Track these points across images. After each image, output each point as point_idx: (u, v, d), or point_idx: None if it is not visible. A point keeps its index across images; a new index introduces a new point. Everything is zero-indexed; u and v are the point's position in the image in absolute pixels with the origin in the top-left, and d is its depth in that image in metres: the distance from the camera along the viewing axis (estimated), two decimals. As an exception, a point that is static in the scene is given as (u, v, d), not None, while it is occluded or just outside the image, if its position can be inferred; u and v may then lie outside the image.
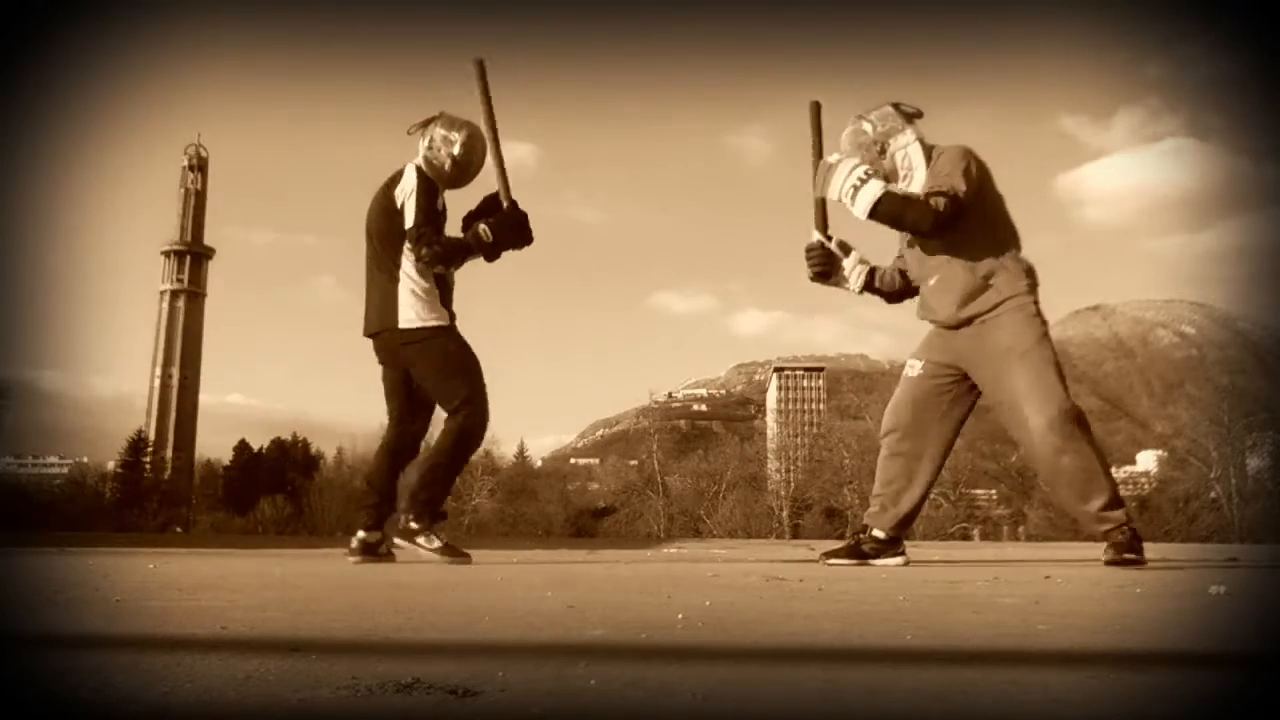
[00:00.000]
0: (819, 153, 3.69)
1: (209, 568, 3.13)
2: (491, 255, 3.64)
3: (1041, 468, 3.43)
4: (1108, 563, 3.29)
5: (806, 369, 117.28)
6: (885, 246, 3.82)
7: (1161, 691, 0.92)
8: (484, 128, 3.70)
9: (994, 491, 42.74)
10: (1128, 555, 3.26)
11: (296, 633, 1.28)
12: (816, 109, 3.74)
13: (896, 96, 3.71)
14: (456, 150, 3.68)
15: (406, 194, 3.60)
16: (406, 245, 3.58)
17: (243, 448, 71.58)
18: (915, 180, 3.48)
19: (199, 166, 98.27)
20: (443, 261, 3.62)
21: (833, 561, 3.62)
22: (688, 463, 52.07)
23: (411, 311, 3.61)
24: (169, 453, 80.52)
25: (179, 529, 47.85)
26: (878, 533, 3.59)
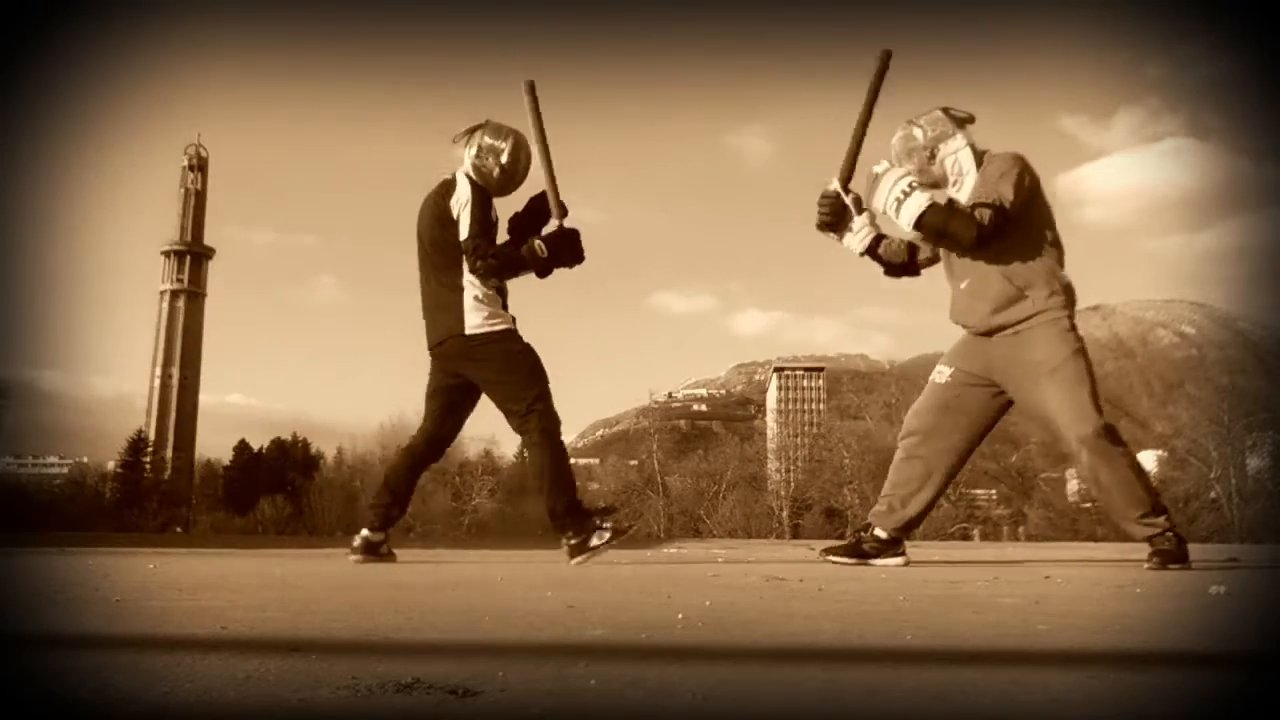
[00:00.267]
0: (871, 104, 3.59)
1: (209, 568, 3.13)
2: (544, 271, 3.67)
3: (1082, 479, 3.44)
4: (1151, 569, 3.22)
5: (806, 369, 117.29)
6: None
7: (1161, 691, 0.92)
8: (536, 148, 3.73)
9: (994, 491, 42.72)
10: (1171, 566, 3.22)
11: (296, 633, 1.28)
12: (886, 57, 3.61)
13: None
14: (504, 159, 3.70)
15: (462, 205, 3.62)
16: (464, 254, 3.61)
17: (243, 448, 71.56)
18: (965, 186, 3.43)
19: (199, 166, 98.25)
20: (497, 274, 3.64)
21: (832, 558, 3.61)
22: (688, 463, 52.04)
23: (477, 317, 3.63)
24: (169, 453, 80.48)
25: (179, 529, 47.86)
26: (880, 532, 3.58)
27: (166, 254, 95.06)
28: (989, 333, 3.45)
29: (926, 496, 3.56)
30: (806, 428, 69.96)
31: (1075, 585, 2.49)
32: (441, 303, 3.68)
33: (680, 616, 1.50)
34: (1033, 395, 3.38)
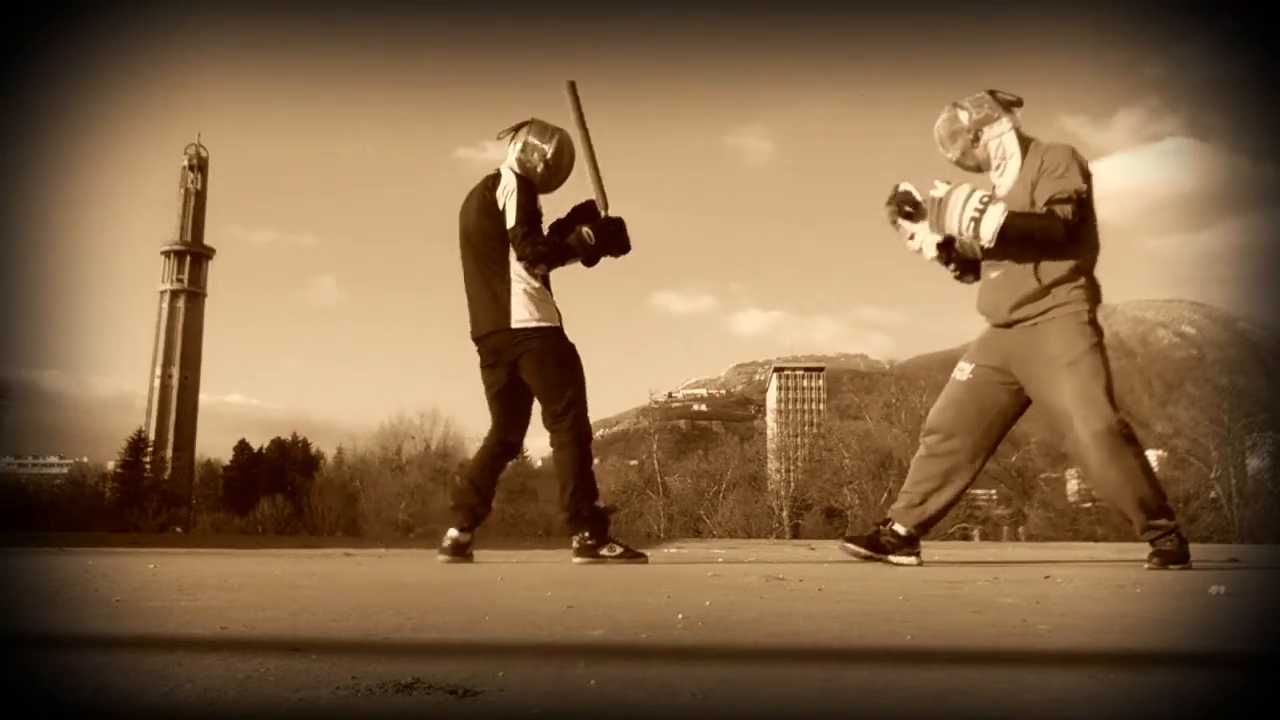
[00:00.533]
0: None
1: (209, 568, 3.13)
2: (591, 260, 3.69)
3: (1088, 476, 3.41)
4: (1151, 569, 3.22)
5: (806, 369, 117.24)
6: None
7: (1161, 691, 0.92)
8: (579, 146, 3.76)
9: (994, 491, 42.70)
10: (1171, 566, 3.21)
11: (296, 633, 1.28)
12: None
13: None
14: (549, 156, 3.73)
15: (508, 194, 3.63)
16: (511, 243, 3.62)
17: (243, 448, 71.61)
18: (1008, 170, 3.39)
19: (199, 166, 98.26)
20: (545, 261, 3.64)
21: (850, 546, 3.60)
22: (688, 463, 52.00)
23: (525, 311, 3.64)
24: (169, 453, 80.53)
25: (179, 529, 47.81)
26: (899, 528, 3.57)
27: (166, 254, 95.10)
28: (1008, 324, 3.42)
29: (947, 495, 3.54)
30: (806, 428, 69.95)
31: (1075, 585, 2.49)
32: (488, 294, 3.69)
33: (680, 616, 1.50)
34: (1048, 387, 3.35)
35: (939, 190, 3.31)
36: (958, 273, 3.58)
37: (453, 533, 3.75)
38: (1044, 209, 3.26)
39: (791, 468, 48.14)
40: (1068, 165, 3.30)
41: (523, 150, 3.75)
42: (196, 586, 2.17)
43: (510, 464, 4.09)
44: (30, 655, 1.14)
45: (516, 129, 3.79)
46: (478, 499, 3.78)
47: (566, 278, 3.84)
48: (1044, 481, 40.71)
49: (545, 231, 3.73)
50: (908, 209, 3.48)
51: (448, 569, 3.22)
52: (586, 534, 3.64)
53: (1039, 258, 3.33)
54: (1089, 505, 35.24)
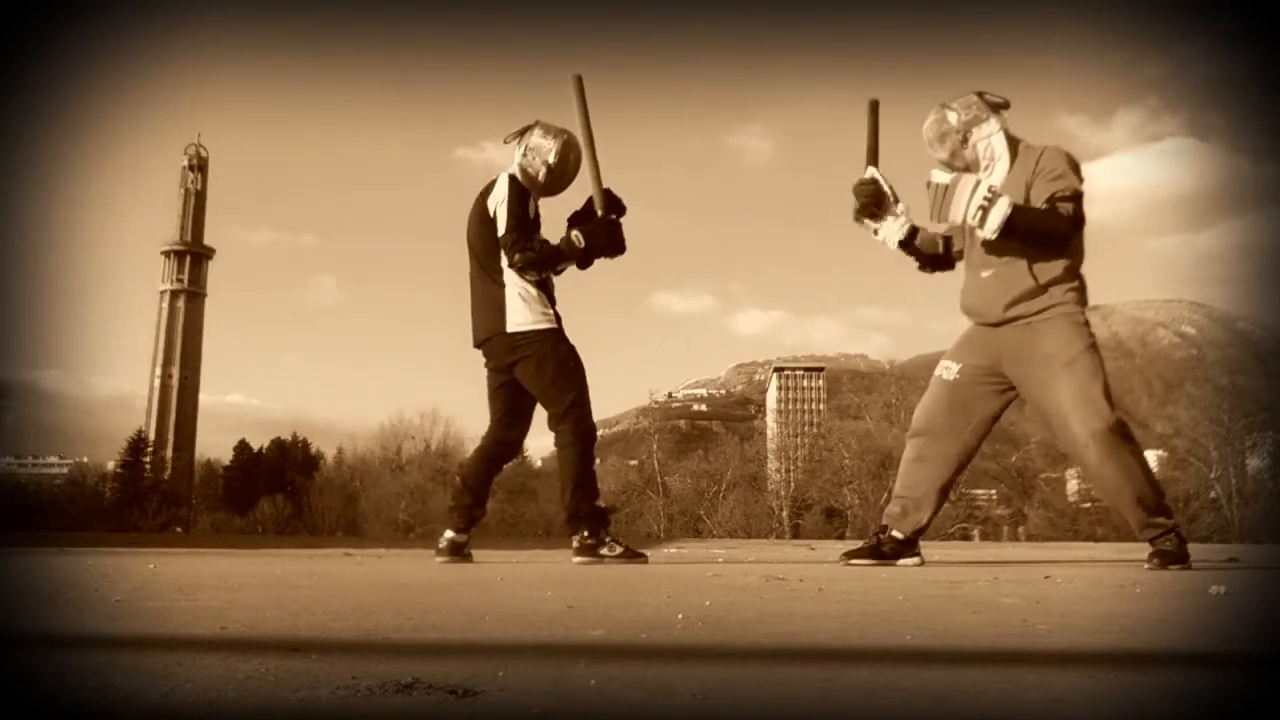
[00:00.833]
0: (874, 154, 3.60)
1: (209, 568, 3.13)
2: (584, 263, 3.70)
3: (1086, 476, 3.42)
4: (1151, 569, 3.22)
5: (806, 369, 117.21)
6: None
7: (1161, 691, 0.92)
8: (581, 141, 3.76)
9: (994, 491, 42.69)
10: (1171, 566, 3.21)
11: (296, 633, 1.28)
12: (874, 108, 3.63)
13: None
14: (551, 158, 3.74)
15: (499, 202, 3.67)
16: (502, 250, 3.65)
17: (243, 448, 71.59)
18: (996, 171, 3.40)
19: (199, 166, 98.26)
20: (535, 267, 3.65)
21: (854, 562, 3.59)
22: (688, 463, 51.98)
23: (520, 315, 3.66)
24: (169, 453, 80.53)
25: (179, 529, 47.81)
26: (897, 534, 3.57)
27: (166, 254, 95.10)
28: (999, 323, 3.43)
29: (939, 497, 3.55)
30: (806, 428, 69.94)
31: (1075, 585, 2.49)
32: (487, 301, 3.72)
33: (680, 616, 1.50)
34: (1044, 388, 3.35)
35: (942, 178, 3.31)
36: (921, 265, 3.66)
37: (449, 534, 3.76)
38: (1046, 206, 3.27)
39: (791, 468, 48.14)
40: (1065, 167, 3.32)
41: (525, 154, 3.76)
42: (196, 586, 2.17)
43: (509, 465, 4.09)
44: (30, 655, 1.14)
45: (522, 132, 3.80)
46: (472, 500, 3.79)
47: (566, 278, 3.85)
48: (1044, 481, 40.71)
49: (567, 221, 3.75)
50: (873, 207, 3.54)
51: (447, 569, 3.22)
52: (586, 533, 3.65)
53: (1038, 254, 3.34)
54: (1089, 505, 35.24)
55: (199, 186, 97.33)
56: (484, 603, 1.81)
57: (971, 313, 3.55)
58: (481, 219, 3.72)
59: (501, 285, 3.68)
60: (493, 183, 3.75)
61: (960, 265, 3.66)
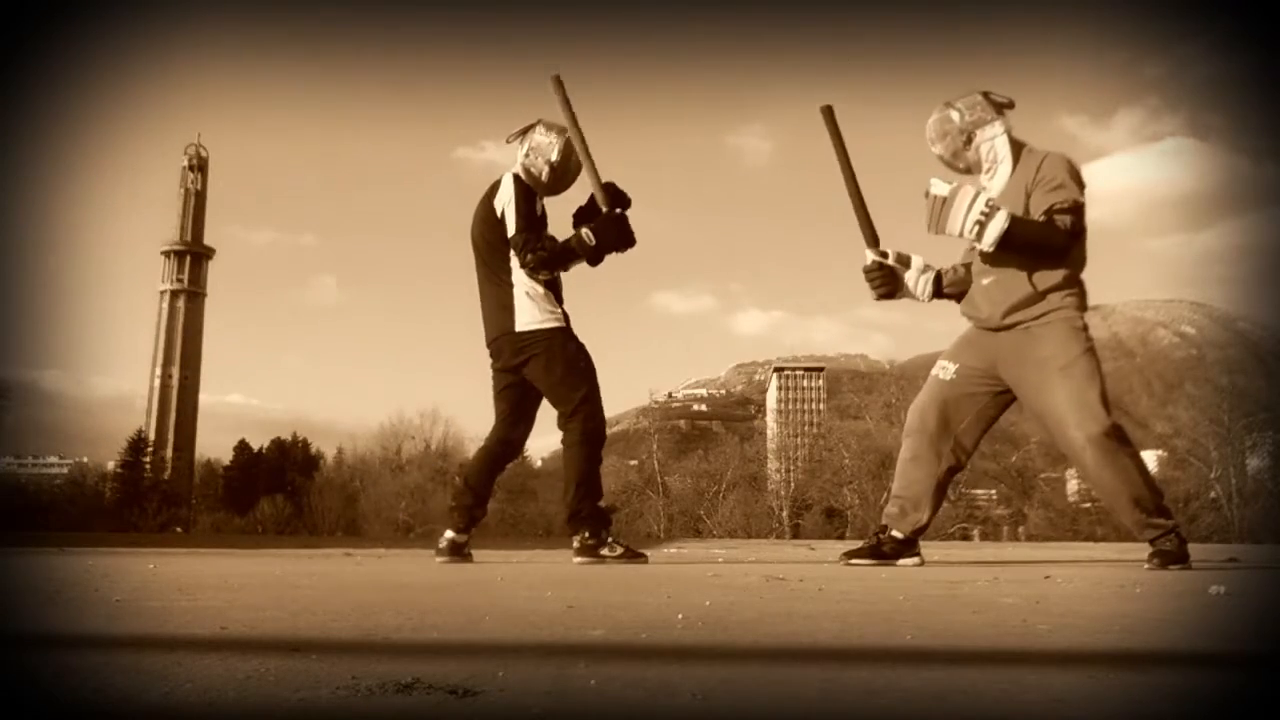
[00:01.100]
0: (845, 158, 3.61)
1: (209, 568, 3.13)
2: (595, 259, 3.68)
3: (1084, 479, 3.43)
4: (1151, 569, 3.22)
5: (806, 369, 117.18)
6: (946, 247, 3.69)
7: (1161, 691, 0.92)
8: (574, 140, 3.75)
9: (994, 491, 42.69)
10: (1171, 566, 3.21)
11: (296, 633, 1.28)
12: (829, 114, 3.65)
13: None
14: (554, 156, 3.73)
15: (506, 202, 3.67)
16: (513, 251, 3.65)
17: (243, 448, 71.61)
18: (999, 174, 3.40)
19: (199, 166, 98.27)
20: (547, 267, 3.66)
21: (854, 562, 3.59)
22: (688, 463, 51.97)
23: (528, 315, 3.66)
24: (169, 453, 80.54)
25: (179, 529, 47.83)
26: (896, 534, 3.58)
27: (166, 254, 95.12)
28: (998, 329, 3.43)
29: (936, 498, 3.56)
30: (806, 428, 69.95)
31: (1075, 585, 2.49)
32: (495, 301, 3.72)
33: (680, 616, 1.50)
34: (1040, 392, 3.36)
35: (941, 189, 3.31)
36: (959, 301, 3.65)
37: (449, 534, 3.76)
38: (1043, 218, 3.27)
39: (791, 468, 48.13)
40: (1066, 176, 3.31)
41: (528, 154, 3.76)
42: (196, 586, 2.17)
43: (510, 465, 4.08)
44: (30, 655, 1.14)
45: (524, 132, 3.79)
46: (473, 500, 3.79)
47: (566, 277, 3.85)
48: (1044, 481, 40.72)
49: (573, 222, 3.75)
50: (889, 286, 3.61)
51: (447, 569, 3.22)
52: (587, 534, 3.65)
53: (1034, 265, 3.34)
54: (1089, 505, 35.24)
55: (199, 186, 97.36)
56: (484, 603, 1.81)
57: (971, 317, 3.55)
58: (487, 220, 3.72)
59: (509, 285, 3.68)
60: (497, 183, 3.75)
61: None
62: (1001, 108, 3.45)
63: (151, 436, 75.31)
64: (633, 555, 3.66)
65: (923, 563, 3.58)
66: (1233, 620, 1.66)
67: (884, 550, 3.57)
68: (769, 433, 61.64)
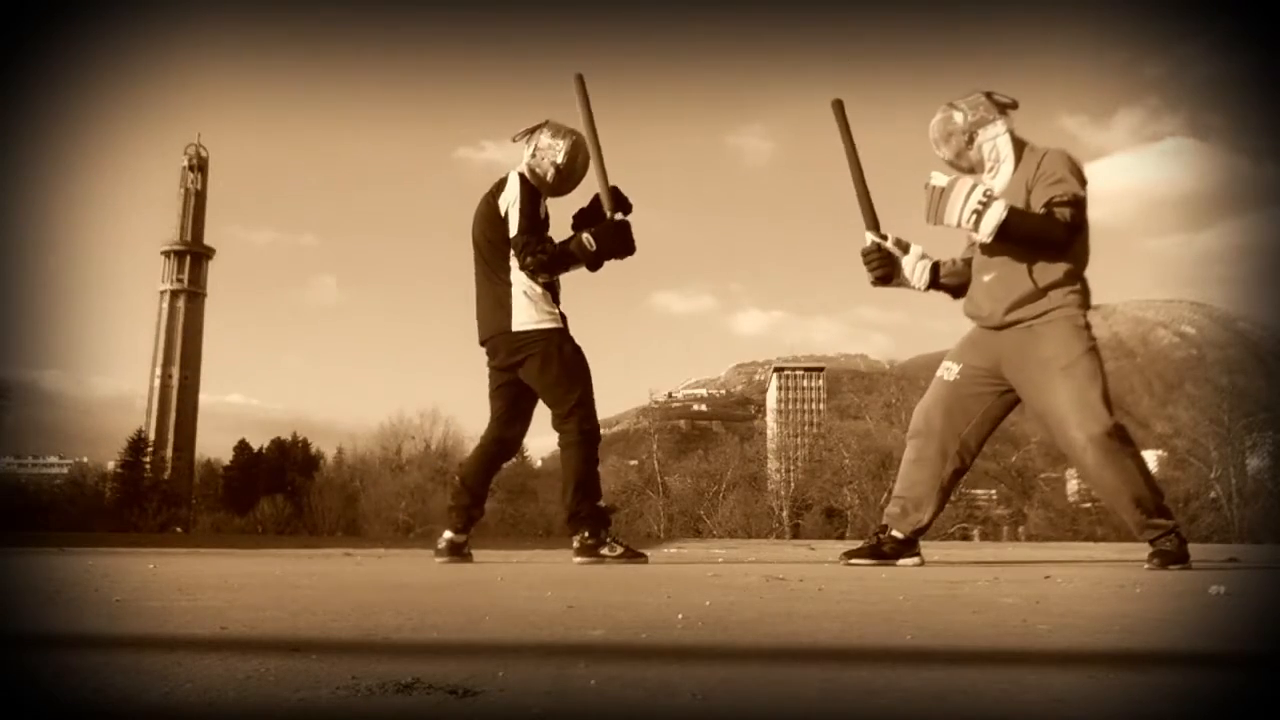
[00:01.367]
0: (853, 152, 3.63)
1: (209, 568, 3.13)
2: (594, 265, 3.67)
3: (1085, 479, 3.42)
4: (1151, 569, 3.22)
5: (806, 369, 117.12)
6: (948, 240, 3.72)
7: (1161, 691, 0.92)
8: (587, 141, 3.74)
9: (994, 491, 42.69)
10: (1171, 566, 3.21)
11: (296, 633, 1.28)
12: (840, 108, 3.66)
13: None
14: (560, 158, 3.72)
15: (510, 202, 3.66)
16: (513, 251, 3.64)
17: (243, 448, 71.61)
18: (1002, 173, 3.40)
19: (199, 166, 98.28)
20: (547, 270, 3.65)
21: (854, 561, 3.59)
22: (688, 463, 51.96)
23: (524, 315, 3.66)
24: (169, 453, 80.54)
25: (179, 529, 47.82)
26: (897, 534, 3.57)
27: (166, 254, 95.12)
28: (1000, 327, 3.43)
29: (938, 499, 3.55)
30: (806, 428, 69.93)
31: (1075, 585, 2.49)
32: (492, 300, 3.72)
33: (680, 616, 1.50)
34: (1042, 391, 3.35)
35: (940, 180, 3.31)
36: (955, 295, 3.66)
37: (447, 534, 3.76)
38: (1043, 211, 3.27)
39: (791, 468, 48.13)
40: (1066, 171, 3.31)
41: (534, 154, 3.75)
42: (196, 586, 2.17)
43: (508, 464, 4.08)
44: (30, 655, 1.14)
45: (531, 131, 3.78)
46: (470, 500, 3.79)
47: (565, 278, 3.85)
48: (1044, 481, 40.71)
49: (572, 223, 3.75)
50: (886, 270, 3.60)
51: (447, 569, 3.22)
52: (586, 534, 3.65)
53: (1035, 258, 3.34)
54: (1089, 505, 35.24)
55: (199, 186, 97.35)
56: (484, 603, 1.81)
57: (974, 316, 3.55)
58: (490, 218, 3.71)
59: (507, 284, 3.68)
60: (502, 182, 3.74)
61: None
62: (1004, 108, 3.45)
63: (151, 436, 75.32)
64: (633, 555, 3.66)
65: (923, 563, 3.58)
66: (1233, 620, 1.66)
67: (884, 550, 3.56)
68: (769, 433, 61.63)
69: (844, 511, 41.35)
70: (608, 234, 3.66)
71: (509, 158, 3.88)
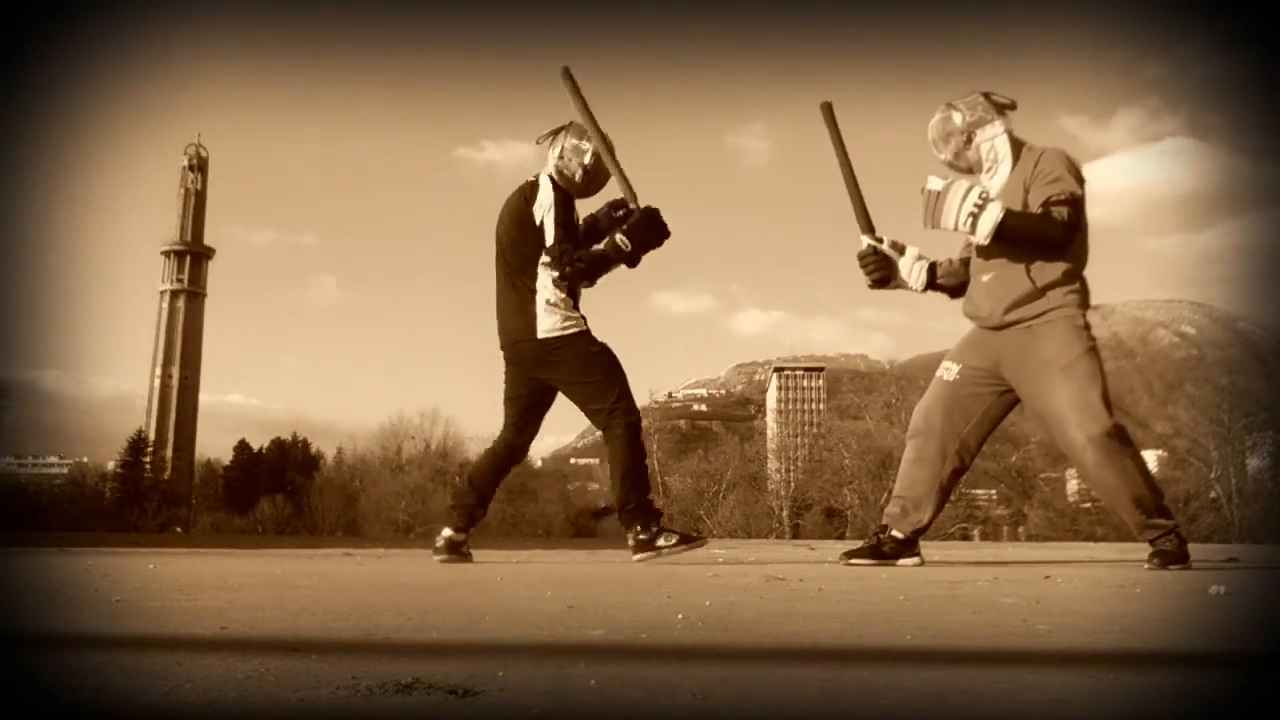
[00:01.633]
0: (843, 154, 3.63)
1: (209, 568, 3.13)
2: (634, 261, 3.63)
3: (1085, 479, 3.43)
4: (1151, 569, 3.22)
5: (806, 369, 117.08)
6: (945, 242, 3.71)
7: (1161, 691, 0.92)
8: (591, 134, 3.70)
9: (994, 491, 42.71)
10: (1171, 566, 3.21)
11: (296, 633, 1.28)
12: (829, 110, 3.66)
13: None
14: (587, 159, 3.70)
15: (545, 210, 3.61)
16: (544, 259, 3.60)
17: (243, 448, 71.61)
18: (999, 173, 3.41)
19: (199, 166, 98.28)
20: (586, 277, 3.62)
21: (854, 561, 3.59)
22: (688, 463, 51.99)
23: (550, 321, 3.63)
24: (169, 453, 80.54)
25: (179, 529, 47.84)
26: (897, 534, 3.58)
27: (166, 254, 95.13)
28: (999, 327, 3.43)
29: (938, 499, 3.56)
30: (806, 428, 69.94)
31: (1075, 585, 2.49)
32: (515, 306, 3.68)
33: (680, 616, 1.50)
34: (1042, 391, 3.36)
35: (936, 184, 3.31)
36: (952, 295, 3.67)
37: (447, 532, 3.75)
38: (1040, 210, 3.27)
39: (791, 468, 48.16)
40: (1063, 170, 3.31)
41: (560, 156, 3.71)
42: (196, 586, 2.17)
43: (516, 465, 4.06)
44: (30, 655, 1.14)
45: (555, 133, 3.75)
46: (475, 500, 3.79)
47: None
48: (1044, 481, 40.73)
49: (583, 221, 3.75)
50: (883, 273, 3.61)
51: (447, 569, 3.22)
52: (639, 528, 3.63)
53: (1033, 258, 3.34)
54: (1089, 505, 35.26)
55: (199, 186, 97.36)
56: (484, 603, 1.81)
57: (973, 317, 3.55)
58: (520, 221, 3.65)
59: (531, 291, 3.63)
60: (532, 185, 3.68)
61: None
62: (1003, 108, 3.46)
63: (151, 436, 75.32)
64: (689, 540, 3.64)
65: (923, 563, 3.58)
66: (1233, 620, 1.66)
67: (884, 550, 3.56)
68: (769, 433, 61.66)
69: (844, 511, 41.38)
70: (639, 226, 3.62)
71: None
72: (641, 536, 3.63)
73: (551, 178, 3.69)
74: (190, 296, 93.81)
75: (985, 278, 3.46)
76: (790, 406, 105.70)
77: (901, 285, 3.64)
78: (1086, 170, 3.44)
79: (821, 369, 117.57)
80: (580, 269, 3.57)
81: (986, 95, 3.47)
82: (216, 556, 4.41)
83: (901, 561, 3.54)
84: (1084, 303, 3.39)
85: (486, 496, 3.82)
